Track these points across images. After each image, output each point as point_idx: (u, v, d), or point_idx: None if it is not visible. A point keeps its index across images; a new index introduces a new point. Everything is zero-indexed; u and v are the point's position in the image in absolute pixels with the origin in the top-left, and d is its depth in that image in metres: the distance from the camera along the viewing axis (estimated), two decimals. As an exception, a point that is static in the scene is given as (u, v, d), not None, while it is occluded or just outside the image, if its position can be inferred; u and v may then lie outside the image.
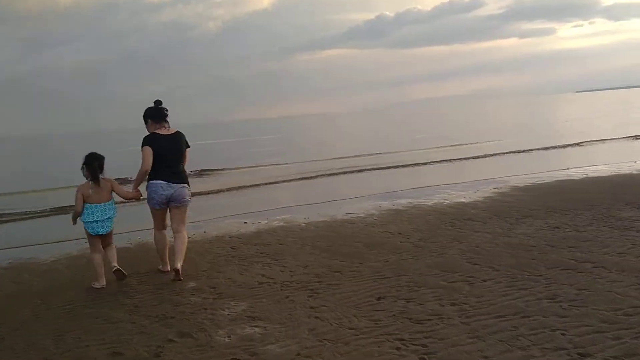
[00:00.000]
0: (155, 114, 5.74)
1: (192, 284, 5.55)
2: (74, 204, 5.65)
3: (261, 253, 6.64)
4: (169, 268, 5.98)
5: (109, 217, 5.61)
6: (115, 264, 5.69)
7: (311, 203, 10.58)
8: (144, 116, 5.80)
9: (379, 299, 4.64)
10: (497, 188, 10.33)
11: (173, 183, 5.65)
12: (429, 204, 9.22)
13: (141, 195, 5.96)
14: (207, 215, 9.98)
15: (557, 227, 6.73)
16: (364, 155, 20.38)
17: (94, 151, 5.74)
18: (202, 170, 18.40)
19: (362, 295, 4.77)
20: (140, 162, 5.62)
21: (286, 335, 4.03)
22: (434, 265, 5.47)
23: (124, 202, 6.33)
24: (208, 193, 13.26)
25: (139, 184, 5.82)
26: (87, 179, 5.58)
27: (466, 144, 21.83)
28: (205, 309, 4.75)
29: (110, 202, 5.65)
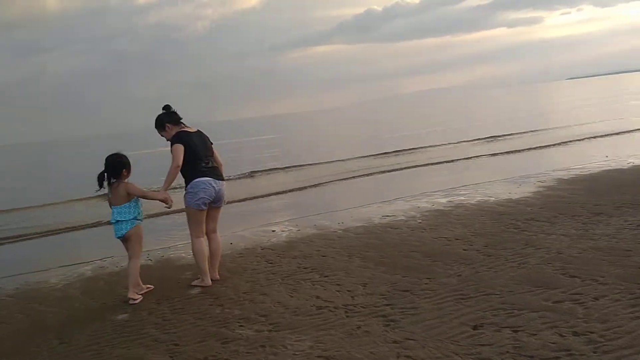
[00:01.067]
0: (171, 117, 5.52)
1: (236, 311, 4.71)
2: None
3: (305, 268, 5.81)
4: (210, 281, 5.52)
5: (117, 221, 5.22)
6: (131, 292, 5.28)
7: (341, 208, 9.75)
8: (160, 123, 5.52)
9: (475, 327, 3.81)
10: (540, 182, 9.51)
11: (218, 180, 5.42)
12: (472, 202, 8.40)
13: (171, 200, 5.37)
14: (226, 223, 9.15)
15: None
16: (375, 155, 19.48)
17: (112, 153, 5.38)
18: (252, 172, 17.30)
19: (452, 323, 3.94)
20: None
21: (378, 384, 3.20)
22: (521, 280, 4.64)
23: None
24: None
25: (170, 184, 5.37)
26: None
27: (491, 137, 20.58)
28: (263, 346, 3.90)
29: (122, 206, 5.23)
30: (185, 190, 5.38)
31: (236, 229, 8.49)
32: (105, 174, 5.28)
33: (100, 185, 5.24)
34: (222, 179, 5.53)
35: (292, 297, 4.93)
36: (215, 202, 5.46)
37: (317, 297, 4.82)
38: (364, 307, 4.44)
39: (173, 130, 5.45)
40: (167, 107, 5.56)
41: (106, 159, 5.30)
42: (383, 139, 26.87)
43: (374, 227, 7.48)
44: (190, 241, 5.55)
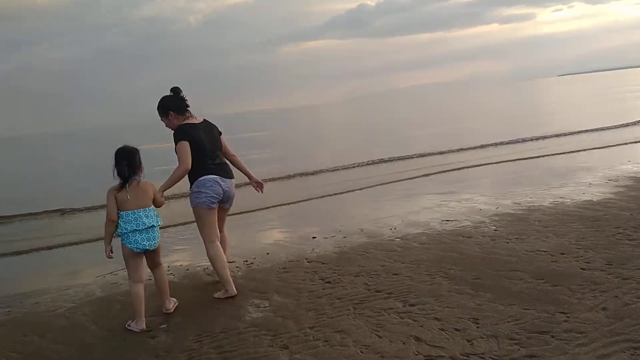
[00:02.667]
0: (178, 104, 4.72)
1: (310, 358, 3.46)
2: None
3: (378, 292, 4.55)
4: (235, 290, 4.79)
5: (152, 226, 4.21)
6: (169, 305, 4.54)
7: (381, 210, 8.51)
8: (163, 108, 4.71)
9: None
10: (613, 180, 8.32)
11: (226, 178, 4.77)
12: (545, 204, 7.18)
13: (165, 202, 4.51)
14: (253, 229, 7.91)
15: None
16: (395, 158, 18.23)
17: (125, 145, 4.26)
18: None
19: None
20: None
21: None
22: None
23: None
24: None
25: (169, 188, 4.59)
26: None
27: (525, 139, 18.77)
28: None
29: (153, 209, 4.28)
30: (190, 190, 4.72)
31: (264, 233, 7.26)
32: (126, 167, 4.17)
33: (125, 180, 4.16)
34: (231, 177, 4.87)
35: (380, 337, 3.68)
36: (223, 202, 4.82)
37: (418, 340, 3.57)
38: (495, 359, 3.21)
39: (176, 120, 4.70)
40: (175, 90, 4.74)
41: (119, 152, 4.19)
42: (391, 135, 25.64)
43: (439, 234, 6.25)
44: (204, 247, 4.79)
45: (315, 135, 32.57)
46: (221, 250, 4.80)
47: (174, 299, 4.68)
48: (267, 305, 4.51)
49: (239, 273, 5.57)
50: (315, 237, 6.80)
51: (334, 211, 8.94)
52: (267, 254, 6.24)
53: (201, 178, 4.64)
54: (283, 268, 5.60)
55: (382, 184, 11.20)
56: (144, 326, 4.22)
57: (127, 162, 4.16)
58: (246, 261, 6.01)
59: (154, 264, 4.46)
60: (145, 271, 4.47)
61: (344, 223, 7.49)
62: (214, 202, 4.68)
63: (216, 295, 4.81)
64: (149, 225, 4.18)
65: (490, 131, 21.00)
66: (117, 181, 4.18)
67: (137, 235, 4.14)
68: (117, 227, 4.15)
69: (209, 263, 4.95)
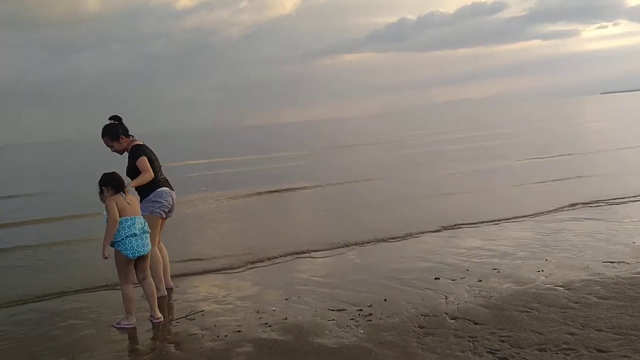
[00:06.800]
0: (125, 129, 5.38)
1: None
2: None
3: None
4: (164, 290, 5.32)
5: (146, 232, 4.60)
6: (159, 314, 4.67)
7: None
8: (115, 134, 5.32)
9: None
10: None
11: (172, 191, 5.44)
12: None
13: None
14: (351, 264, 6.39)
15: None
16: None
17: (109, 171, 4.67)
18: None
19: None
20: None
21: None
22: None
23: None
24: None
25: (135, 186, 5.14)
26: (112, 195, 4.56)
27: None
28: None
29: (142, 217, 4.68)
30: (146, 199, 5.22)
31: (372, 270, 5.75)
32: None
33: (123, 190, 4.60)
34: (173, 190, 5.48)
35: None
36: (170, 212, 5.42)
37: None
38: None
39: (125, 143, 5.35)
40: (117, 118, 5.38)
41: (109, 173, 4.62)
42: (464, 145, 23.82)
43: (617, 284, 4.67)
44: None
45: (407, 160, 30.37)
46: (161, 252, 5.41)
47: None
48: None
49: (359, 329, 4.10)
50: (438, 279, 5.27)
51: (447, 242, 6.97)
52: (385, 300, 4.74)
53: (158, 189, 5.26)
54: (420, 327, 4.09)
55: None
56: (134, 321, 4.57)
57: (117, 178, 4.57)
58: (361, 310, 4.53)
59: (144, 275, 4.66)
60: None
61: (466, 258, 5.93)
62: (165, 212, 5.31)
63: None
64: (145, 231, 4.57)
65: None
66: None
67: (134, 241, 4.45)
68: (117, 231, 4.42)
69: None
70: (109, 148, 5.39)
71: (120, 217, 4.43)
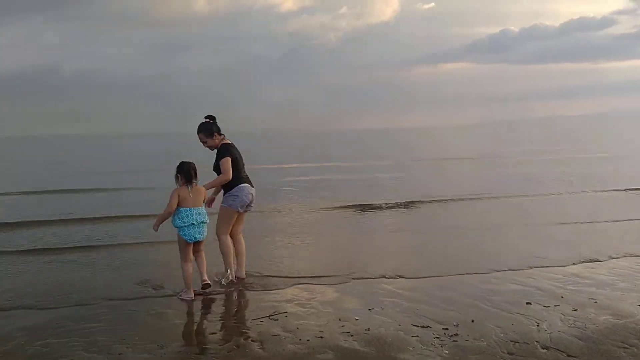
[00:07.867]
0: (218, 127, 5.82)
1: None
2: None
3: None
4: (233, 275, 5.82)
5: (203, 222, 5.34)
6: (205, 278, 5.44)
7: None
8: (209, 131, 5.78)
9: None
10: None
11: (252, 187, 5.86)
12: None
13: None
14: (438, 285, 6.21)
15: None
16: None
17: (186, 160, 5.41)
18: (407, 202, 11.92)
19: None
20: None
21: None
22: None
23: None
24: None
25: (211, 188, 5.80)
26: (181, 185, 5.33)
27: None
28: None
29: (204, 208, 5.46)
30: (229, 193, 5.72)
31: (456, 290, 5.59)
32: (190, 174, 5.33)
33: (190, 182, 5.29)
34: (253, 187, 5.89)
35: None
36: (248, 206, 5.85)
37: None
38: None
39: (217, 140, 5.80)
40: (212, 117, 5.84)
41: (184, 163, 5.35)
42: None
43: None
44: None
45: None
46: (238, 244, 5.91)
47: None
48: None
49: (444, 349, 3.99)
50: (530, 304, 5.03)
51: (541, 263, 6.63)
52: (472, 321, 4.58)
53: (240, 185, 5.72)
54: (509, 353, 3.93)
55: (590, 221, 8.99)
56: (193, 295, 5.33)
57: (190, 170, 5.28)
58: (446, 329, 4.40)
59: (197, 251, 5.43)
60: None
61: (561, 285, 5.63)
62: (243, 207, 5.77)
63: (221, 279, 5.76)
64: (202, 221, 5.29)
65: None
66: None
67: (192, 229, 5.24)
68: (176, 219, 5.22)
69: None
70: (202, 143, 5.84)
71: (181, 207, 5.21)
